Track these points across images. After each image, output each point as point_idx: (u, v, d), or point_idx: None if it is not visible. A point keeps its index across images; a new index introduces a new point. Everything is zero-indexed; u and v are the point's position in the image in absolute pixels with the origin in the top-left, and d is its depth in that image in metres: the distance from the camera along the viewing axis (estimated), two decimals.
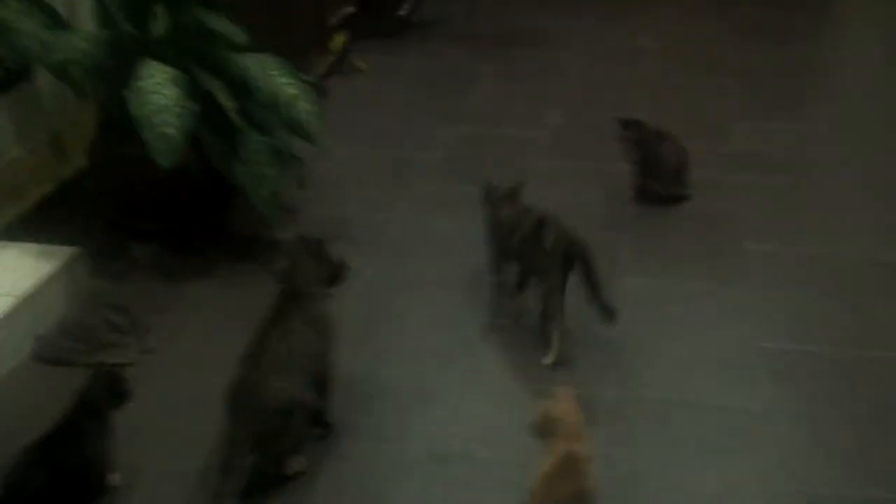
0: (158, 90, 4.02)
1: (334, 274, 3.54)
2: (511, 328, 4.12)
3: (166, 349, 3.97)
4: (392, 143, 5.80)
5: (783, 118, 6.15)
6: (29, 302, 3.93)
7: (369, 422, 3.59)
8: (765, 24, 7.77)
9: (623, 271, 4.47)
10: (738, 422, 3.62)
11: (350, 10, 7.03)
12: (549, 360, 3.81)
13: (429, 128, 5.96)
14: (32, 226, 4.54)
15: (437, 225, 4.89)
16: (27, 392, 3.73)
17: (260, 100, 4.31)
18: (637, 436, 3.54)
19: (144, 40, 4.35)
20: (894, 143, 5.86)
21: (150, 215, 4.60)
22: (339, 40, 6.72)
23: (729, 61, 7.08)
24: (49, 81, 4.49)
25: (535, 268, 3.89)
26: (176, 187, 4.35)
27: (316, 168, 4.80)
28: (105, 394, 3.21)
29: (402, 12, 7.36)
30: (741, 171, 5.44)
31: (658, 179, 5.01)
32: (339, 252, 3.58)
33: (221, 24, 4.44)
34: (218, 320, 4.16)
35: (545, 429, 3.08)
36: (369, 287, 4.32)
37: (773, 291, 4.40)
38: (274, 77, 4.32)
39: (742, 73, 6.84)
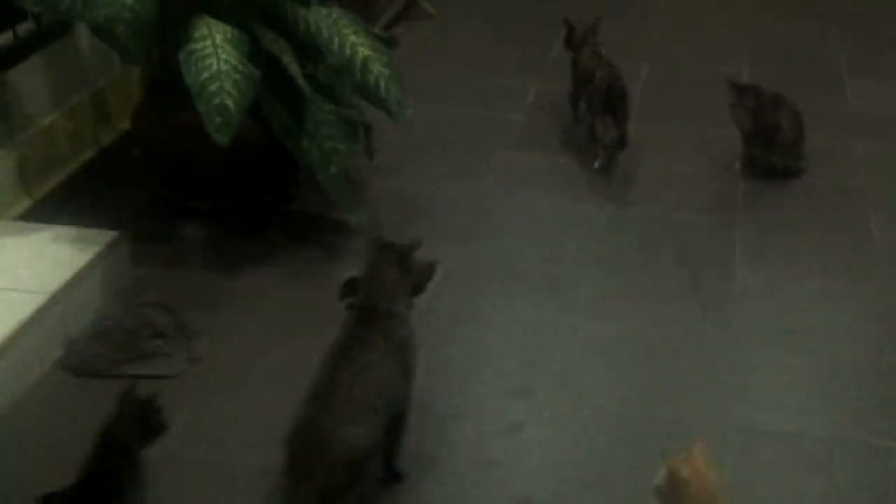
0: (215, 53, 3.50)
1: (419, 283, 2.98)
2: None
3: (218, 356, 3.44)
4: (466, 101, 5.20)
5: None
6: (59, 299, 3.41)
7: (446, 456, 3.06)
8: None
9: (733, 262, 3.91)
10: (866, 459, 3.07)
11: None
12: (597, 163, 4.46)
13: (507, 83, 5.35)
14: (69, 201, 4.06)
15: (522, 202, 4.32)
16: (54, 406, 3.22)
17: (331, 63, 3.78)
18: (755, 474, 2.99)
19: None
20: None
21: (201, 192, 4.09)
22: None
23: (830, 4, 6.39)
24: (90, 35, 3.94)
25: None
26: (232, 161, 3.81)
27: (381, 133, 4.18)
28: (135, 429, 2.68)
29: None
30: (861, 138, 4.81)
31: (774, 151, 4.42)
32: (423, 251, 2.98)
33: None
34: (279, 320, 3.62)
35: (672, 494, 2.54)
36: (445, 283, 3.69)
37: None
38: (347, 36, 3.75)
39: (846, 17, 6.16)
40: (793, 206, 4.33)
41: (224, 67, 3.47)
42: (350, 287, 3.01)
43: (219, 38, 3.53)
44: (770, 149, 4.44)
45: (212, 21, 3.59)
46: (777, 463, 3.05)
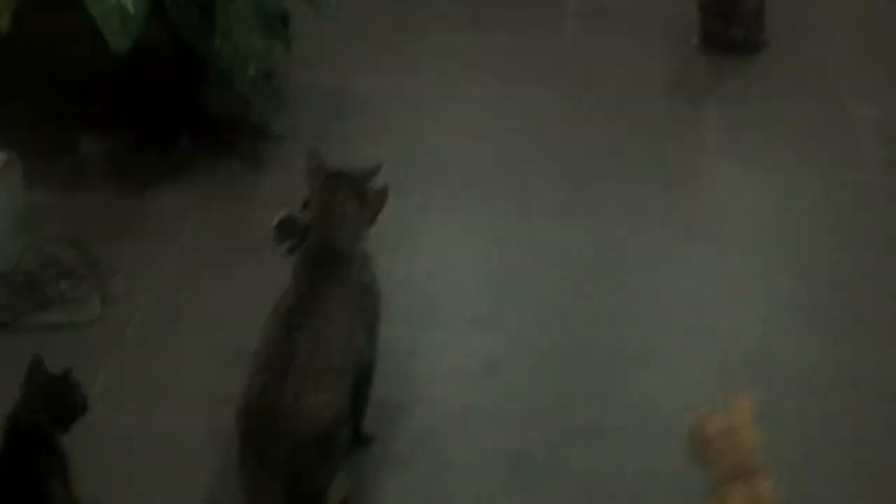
0: None
1: (373, 214, 2.53)
2: None
3: (137, 296, 2.98)
4: None
5: None
6: None
7: (418, 406, 2.67)
8: None
9: (704, 151, 3.52)
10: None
11: None
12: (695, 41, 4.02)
13: None
14: None
15: (465, 92, 3.86)
16: None
17: None
18: None
19: None
20: None
21: (99, 98, 3.53)
22: None
23: None
24: None
25: None
26: (134, 65, 3.26)
27: (301, 22, 3.65)
28: (49, 412, 2.22)
29: None
30: (828, 5, 4.37)
31: (734, 23, 3.98)
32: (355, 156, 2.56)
33: None
34: (202, 246, 3.17)
35: (694, 451, 2.16)
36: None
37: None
38: None
39: None
40: (759, 83, 3.94)
41: None
42: (287, 228, 2.55)
43: None
44: (729, 21, 4.00)
45: None
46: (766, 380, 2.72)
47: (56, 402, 2.22)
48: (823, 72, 3.98)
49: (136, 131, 3.58)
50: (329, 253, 2.38)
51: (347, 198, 2.43)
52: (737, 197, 3.37)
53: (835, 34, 4.19)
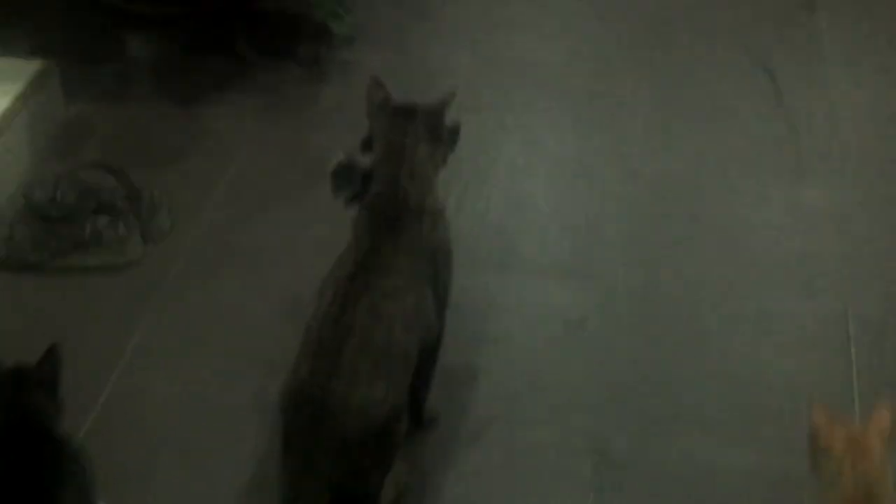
0: None
1: (445, 157, 2.18)
2: None
3: (183, 236, 2.69)
4: None
5: None
6: None
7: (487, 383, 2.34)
8: None
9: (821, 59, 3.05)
10: None
11: None
12: None
13: None
14: None
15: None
16: None
17: None
18: None
19: None
20: None
21: None
22: None
23: None
24: None
25: None
26: None
27: None
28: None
29: None
30: None
31: None
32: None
33: None
34: (258, 174, 2.86)
35: (818, 464, 1.83)
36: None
37: None
38: None
39: None
40: None
41: None
42: (345, 174, 2.21)
43: None
44: None
45: None
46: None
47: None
48: None
49: (187, 32, 3.24)
50: (396, 207, 2.05)
51: (418, 139, 2.09)
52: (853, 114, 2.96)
53: None
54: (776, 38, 3.18)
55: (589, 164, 2.84)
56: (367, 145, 2.20)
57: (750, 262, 2.58)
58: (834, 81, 3.04)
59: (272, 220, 2.70)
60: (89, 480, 1.87)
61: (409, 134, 2.09)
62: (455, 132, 2.20)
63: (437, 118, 2.12)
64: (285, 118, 3.01)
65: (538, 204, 2.77)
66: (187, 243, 2.66)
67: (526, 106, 3.02)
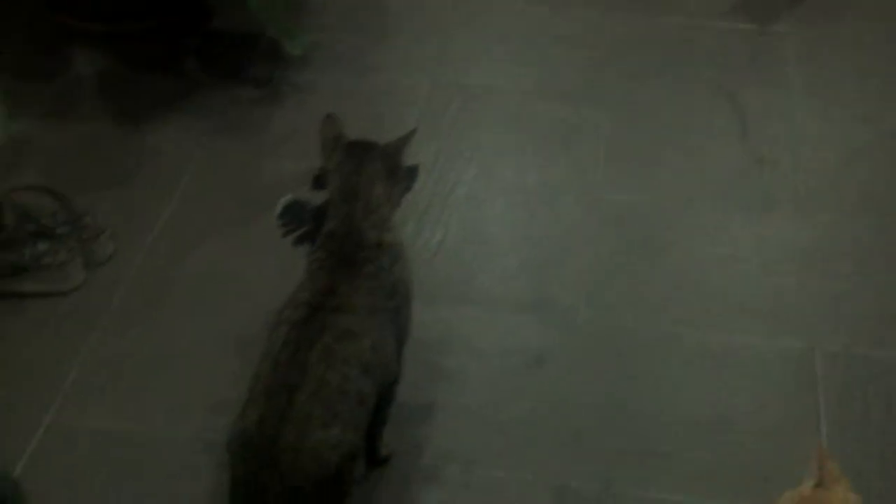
0: None
1: (403, 195, 2.09)
2: None
3: (126, 261, 2.58)
4: None
5: None
6: None
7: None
8: None
9: (788, 88, 3.02)
10: None
11: None
12: None
13: None
14: None
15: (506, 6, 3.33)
16: None
17: None
18: None
19: None
20: None
21: (95, 9, 3.13)
22: None
23: None
24: None
25: None
26: None
27: None
28: None
29: None
30: None
31: None
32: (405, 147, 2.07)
33: None
34: (207, 197, 2.75)
35: None
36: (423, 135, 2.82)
37: None
38: None
39: None
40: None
41: None
42: (294, 214, 2.12)
43: None
44: None
45: None
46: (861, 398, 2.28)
47: None
48: None
49: (136, 50, 3.14)
50: (353, 244, 1.95)
51: (375, 177, 1.99)
52: (819, 147, 2.90)
53: None
54: (742, 69, 3.11)
55: (550, 194, 2.76)
56: (318, 183, 2.11)
57: (714, 297, 2.50)
58: (800, 113, 2.97)
59: (219, 249, 2.59)
60: None
61: (366, 171, 2.00)
62: (413, 172, 2.12)
63: (396, 157, 2.03)
64: (236, 141, 2.90)
65: (497, 234, 2.67)
66: (130, 271, 2.55)
67: (486, 133, 2.93)
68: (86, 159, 2.83)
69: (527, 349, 2.37)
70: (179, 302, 2.46)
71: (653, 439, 2.18)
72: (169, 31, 3.18)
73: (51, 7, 3.17)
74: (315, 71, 3.08)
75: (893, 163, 2.84)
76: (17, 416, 2.20)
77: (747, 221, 2.67)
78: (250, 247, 2.56)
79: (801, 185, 2.76)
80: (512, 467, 2.13)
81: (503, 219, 2.71)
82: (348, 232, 1.96)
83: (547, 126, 2.95)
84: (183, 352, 2.34)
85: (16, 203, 2.56)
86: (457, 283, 2.52)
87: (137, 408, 2.23)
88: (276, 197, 2.28)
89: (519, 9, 3.34)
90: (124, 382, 2.29)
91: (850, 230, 2.65)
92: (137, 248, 2.58)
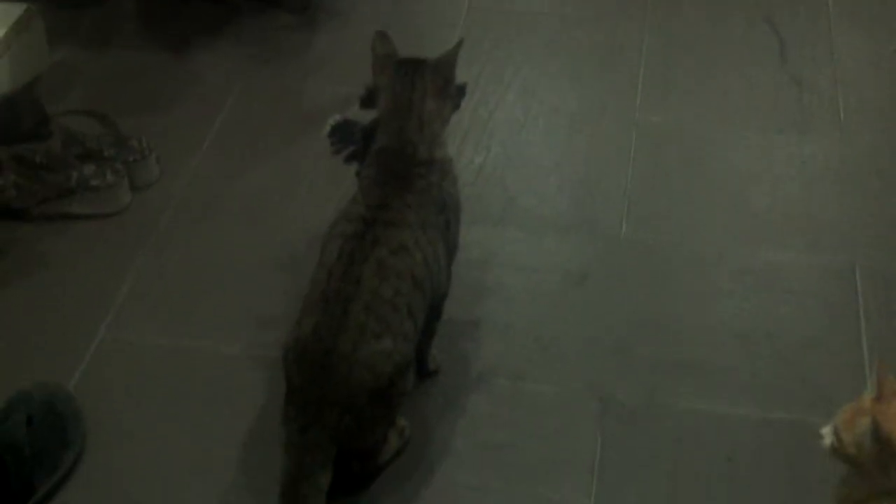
0: None
1: (453, 110, 2.11)
2: None
3: (172, 182, 2.60)
4: None
5: None
6: None
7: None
8: None
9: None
10: None
11: None
12: None
13: None
14: None
15: None
16: None
17: None
18: None
19: None
20: None
21: None
22: None
23: None
24: None
25: None
26: None
27: None
28: None
29: None
30: None
31: None
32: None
33: None
34: (250, 122, 2.78)
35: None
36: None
37: None
38: None
39: None
40: None
41: None
42: (343, 133, 2.14)
43: None
44: None
45: None
46: None
47: None
48: None
49: None
50: (405, 160, 1.98)
51: (426, 93, 2.00)
52: (858, 68, 2.90)
53: None
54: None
55: (589, 116, 2.77)
56: (367, 101, 2.14)
57: (754, 214, 2.52)
58: (839, 35, 2.97)
59: (263, 169, 2.62)
60: None
61: (417, 87, 2.01)
62: (462, 90, 2.14)
63: (447, 72, 2.04)
64: (276, 66, 2.92)
65: (538, 156, 2.69)
66: (177, 192, 2.58)
67: (524, 57, 2.94)
68: (128, 85, 2.85)
69: (569, 267, 2.39)
70: (226, 222, 2.49)
71: (695, 352, 2.20)
72: None
73: None
74: None
75: None
76: (68, 334, 2.24)
77: (787, 142, 2.68)
78: (294, 167, 2.58)
79: (840, 105, 2.77)
80: (558, 381, 2.16)
81: (543, 141, 2.73)
82: (400, 148, 1.98)
83: (586, 49, 2.96)
84: (230, 270, 2.37)
85: (62, 127, 2.58)
86: (499, 204, 2.54)
87: (187, 325, 2.26)
88: (318, 120, 2.31)
89: None
90: (173, 300, 2.31)
91: (890, 150, 2.65)
92: (184, 171, 2.61)
